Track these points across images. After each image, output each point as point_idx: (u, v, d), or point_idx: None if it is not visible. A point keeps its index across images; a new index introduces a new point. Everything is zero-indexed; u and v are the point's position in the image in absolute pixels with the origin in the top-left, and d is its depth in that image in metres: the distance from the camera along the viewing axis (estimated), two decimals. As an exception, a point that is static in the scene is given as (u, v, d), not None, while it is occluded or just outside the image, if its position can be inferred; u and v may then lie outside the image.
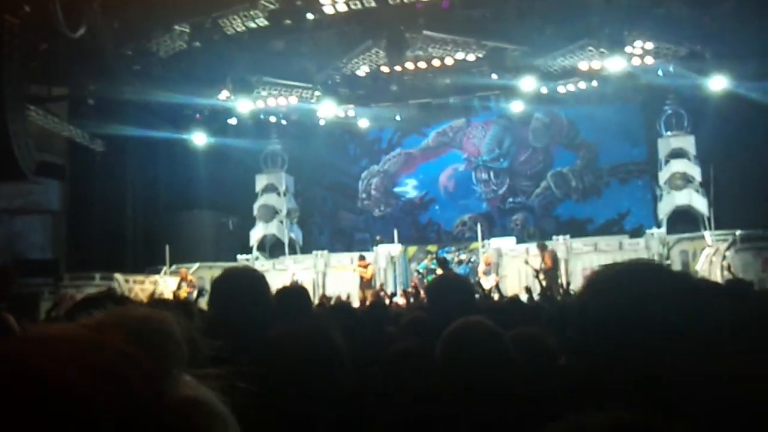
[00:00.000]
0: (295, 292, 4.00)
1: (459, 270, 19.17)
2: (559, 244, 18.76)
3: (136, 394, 0.56)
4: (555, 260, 16.53)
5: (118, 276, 17.37)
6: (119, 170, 20.38)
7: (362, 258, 18.69)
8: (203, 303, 9.11)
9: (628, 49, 17.92)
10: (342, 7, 16.12)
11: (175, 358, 0.63)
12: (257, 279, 3.04)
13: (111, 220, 20.01)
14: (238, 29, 16.95)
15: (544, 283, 13.61)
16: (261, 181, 22.97)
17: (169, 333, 0.64)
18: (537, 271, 14.28)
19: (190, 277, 17.42)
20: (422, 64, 19.31)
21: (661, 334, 1.23)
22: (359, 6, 16.09)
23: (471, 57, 18.96)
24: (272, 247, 22.63)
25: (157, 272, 19.39)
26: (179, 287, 16.84)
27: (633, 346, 1.24)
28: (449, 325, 2.44)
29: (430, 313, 3.73)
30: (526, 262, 15.86)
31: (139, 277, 18.50)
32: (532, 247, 19.03)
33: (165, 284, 18.25)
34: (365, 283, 17.96)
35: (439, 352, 2.36)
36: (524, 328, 2.97)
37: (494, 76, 19.53)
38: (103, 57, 16.62)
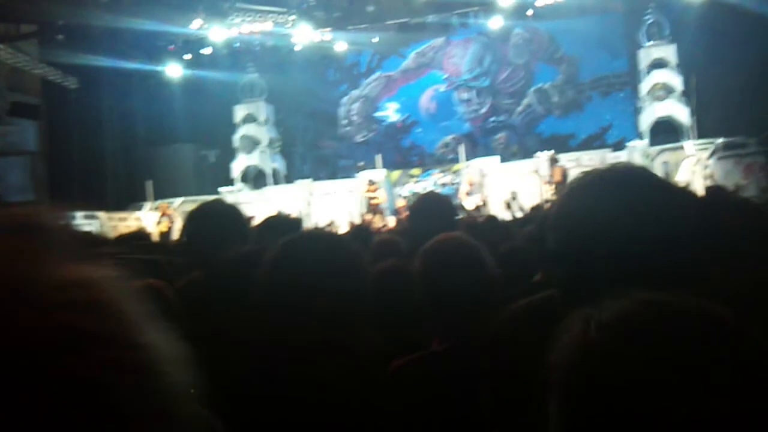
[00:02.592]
0: (282, 223, 3.85)
1: (442, 192, 19.16)
2: (542, 161, 18.72)
3: (12, 277, 0.56)
4: (565, 175, 16.43)
5: (100, 214, 17.28)
6: (95, 106, 20.05)
7: (372, 183, 18.48)
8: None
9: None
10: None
11: (56, 246, 0.62)
12: (230, 211, 2.99)
13: (90, 158, 19.79)
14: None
15: (553, 197, 13.68)
16: (240, 112, 22.64)
17: (47, 226, 0.64)
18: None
19: (169, 212, 17.37)
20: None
21: (638, 237, 1.21)
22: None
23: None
24: (255, 178, 22.48)
25: (140, 208, 19.30)
26: (159, 222, 16.82)
27: (612, 248, 1.21)
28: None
29: (408, 232, 3.71)
30: (536, 172, 15.90)
31: (122, 214, 18.43)
32: (517, 165, 19.09)
33: (148, 220, 18.19)
34: (375, 208, 17.81)
35: (417, 267, 2.36)
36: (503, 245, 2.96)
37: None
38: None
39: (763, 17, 15.58)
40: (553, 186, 16.34)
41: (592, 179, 1.36)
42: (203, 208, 3.04)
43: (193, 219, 2.96)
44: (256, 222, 3.71)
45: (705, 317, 0.77)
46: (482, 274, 2.31)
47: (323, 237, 1.99)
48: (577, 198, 1.34)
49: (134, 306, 0.60)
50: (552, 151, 17.52)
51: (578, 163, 18.17)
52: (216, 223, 2.86)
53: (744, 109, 16.85)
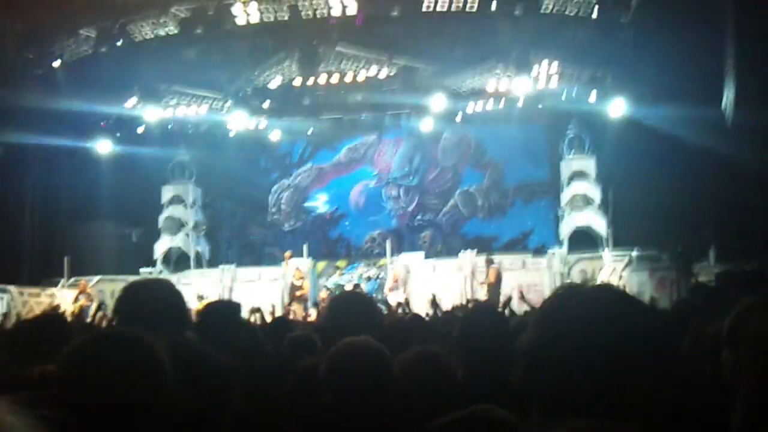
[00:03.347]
0: (223, 309, 3.79)
1: (367, 286, 19.20)
2: (465, 261, 19.08)
3: None
4: (499, 277, 16.72)
5: (11, 288, 16.61)
6: (18, 177, 19.52)
7: (299, 270, 18.30)
8: (101, 317, 8.81)
9: (534, 72, 18.52)
10: (254, 19, 16.09)
11: None
12: (170, 292, 2.89)
13: (7, 230, 19.09)
14: (147, 36, 16.62)
15: (485, 297, 13.86)
16: (167, 192, 22.42)
17: None
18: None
19: (89, 290, 16.80)
20: (335, 79, 19.41)
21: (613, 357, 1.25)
22: (272, 18, 16.08)
23: (383, 74, 19.21)
24: (177, 261, 22.08)
25: (55, 285, 18.64)
26: (76, 300, 16.21)
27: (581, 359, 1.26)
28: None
29: (324, 330, 3.71)
30: (472, 274, 16.12)
31: (35, 290, 17.74)
32: (442, 262, 19.40)
33: (63, 297, 17.54)
34: (298, 297, 17.55)
35: (323, 370, 2.37)
36: (421, 347, 2.99)
37: (405, 95, 19.80)
38: (2, 60, 15.99)
39: (676, 136, 16.52)
40: (487, 286, 16.62)
41: (575, 294, 1.42)
42: (142, 285, 2.96)
43: (128, 297, 2.83)
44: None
45: None
46: (385, 380, 2.35)
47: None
48: (557, 309, 1.39)
49: None
50: (487, 256, 17.82)
51: (500, 265, 18.59)
52: (155, 304, 2.73)
53: (658, 223, 17.56)
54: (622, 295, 1.42)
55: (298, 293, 17.59)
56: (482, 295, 16.45)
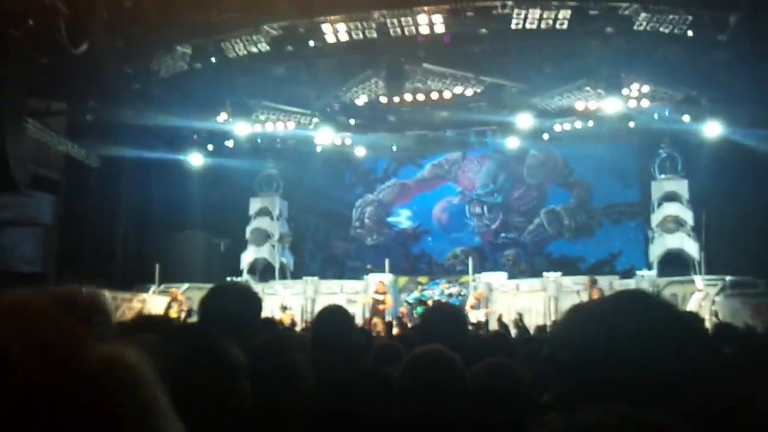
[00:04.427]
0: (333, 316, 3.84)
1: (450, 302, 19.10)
2: (549, 281, 18.77)
3: (59, 355, 0.66)
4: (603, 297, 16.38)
5: (105, 293, 17.27)
6: (113, 187, 20.36)
7: (383, 284, 18.20)
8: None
9: (624, 91, 18.14)
10: (344, 37, 16.29)
11: (101, 326, 0.72)
12: (249, 295, 2.98)
13: (102, 237, 19.95)
14: (240, 53, 17.09)
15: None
16: (255, 205, 22.98)
17: (96, 305, 0.74)
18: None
19: (180, 297, 17.30)
20: (420, 96, 19.48)
21: (642, 356, 1.27)
22: (361, 36, 16.26)
23: (469, 92, 19.15)
24: (263, 271, 22.56)
25: (146, 291, 19.32)
26: (169, 307, 16.70)
27: (617, 363, 1.29)
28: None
29: (411, 340, 3.75)
30: (577, 293, 15.97)
31: (127, 295, 18.41)
32: (525, 282, 19.15)
33: (153, 303, 18.16)
34: (380, 311, 17.48)
35: (398, 374, 2.43)
36: (494, 358, 3.01)
37: (491, 112, 19.72)
38: (103, 74, 16.71)
39: (774, 159, 15.91)
40: None
41: (611, 301, 1.45)
42: (222, 289, 3.06)
43: (210, 300, 2.95)
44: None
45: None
46: (456, 386, 2.41)
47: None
48: (595, 318, 1.41)
49: (152, 388, 0.71)
50: (590, 276, 17.50)
51: (585, 286, 18.20)
52: (233, 307, 2.83)
53: (754, 249, 16.93)
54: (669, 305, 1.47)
55: (380, 307, 17.60)
56: None
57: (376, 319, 16.93)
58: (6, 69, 14.51)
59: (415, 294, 20.01)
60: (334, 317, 3.78)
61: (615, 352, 1.30)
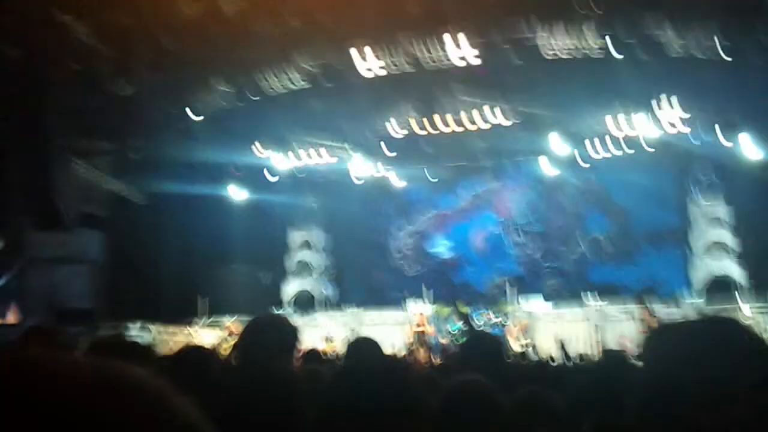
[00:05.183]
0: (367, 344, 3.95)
1: (492, 332, 19.01)
2: (591, 309, 18.62)
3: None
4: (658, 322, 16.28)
5: (152, 327, 17.61)
6: (159, 223, 20.77)
7: (422, 314, 18.47)
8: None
9: (660, 114, 18.05)
10: (380, 71, 16.55)
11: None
12: (286, 327, 3.06)
13: (149, 272, 20.32)
14: (277, 89, 17.47)
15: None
16: (295, 237, 23.26)
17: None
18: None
19: (234, 330, 17.32)
20: (457, 128, 19.61)
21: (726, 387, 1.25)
22: (396, 71, 16.51)
23: (505, 121, 19.23)
24: (305, 303, 22.75)
25: (191, 324, 19.62)
26: (227, 340, 16.63)
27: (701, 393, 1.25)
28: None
29: (456, 369, 3.82)
30: (642, 320, 15.92)
31: (174, 329, 18.72)
32: (568, 311, 19.03)
33: (199, 336, 18.40)
34: (423, 340, 17.65)
35: (435, 407, 2.50)
36: (532, 388, 3.07)
37: (527, 140, 19.77)
38: (148, 114, 17.24)
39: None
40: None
41: (693, 328, 1.42)
42: (260, 321, 3.17)
43: (249, 331, 3.06)
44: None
45: None
46: (493, 417, 2.46)
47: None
48: (676, 344, 1.38)
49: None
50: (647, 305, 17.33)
51: (630, 314, 18.00)
52: (271, 336, 2.93)
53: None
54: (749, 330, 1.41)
55: (423, 336, 17.68)
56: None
57: (419, 348, 16.97)
58: (53, 110, 15.05)
59: (458, 324, 19.95)
60: (364, 345, 3.89)
61: (703, 380, 1.25)
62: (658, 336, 1.49)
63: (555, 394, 3.16)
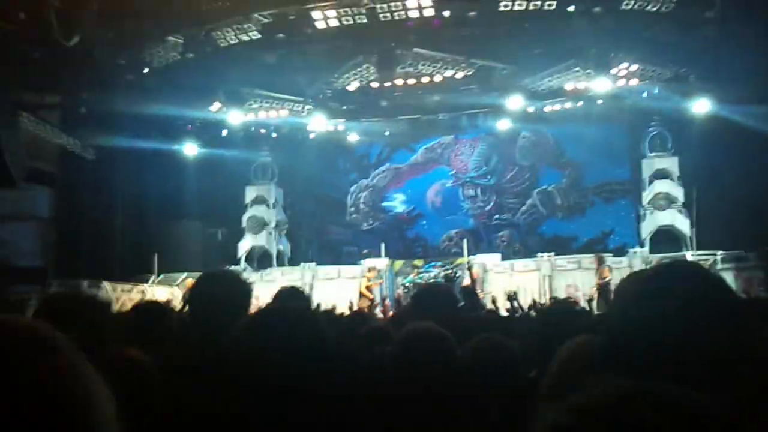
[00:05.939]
0: (291, 294, 4.01)
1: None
2: (543, 260, 19.00)
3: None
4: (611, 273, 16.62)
5: (105, 284, 17.44)
6: (109, 178, 20.42)
7: (370, 269, 18.80)
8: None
9: (613, 70, 18.28)
10: (334, 23, 16.36)
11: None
12: (239, 283, 3.01)
13: (100, 228, 20.03)
14: (231, 41, 17.13)
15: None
16: (251, 193, 23.09)
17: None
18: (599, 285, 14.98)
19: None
20: (412, 81, 19.60)
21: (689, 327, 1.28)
22: (351, 22, 16.33)
23: (460, 75, 19.27)
24: (260, 259, 22.71)
25: (145, 281, 19.47)
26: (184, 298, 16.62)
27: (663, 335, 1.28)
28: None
29: (404, 321, 3.87)
30: (599, 274, 16.29)
31: (127, 286, 18.56)
32: (520, 263, 19.39)
33: (153, 293, 18.29)
34: (368, 294, 17.92)
35: (391, 350, 2.56)
36: (486, 335, 3.13)
37: (482, 95, 19.84)
38: (96, 66, 16.77)
39: (763, 135, 16.06)
40: (601, 285, 16.40)
41: (656, 273, 1.46)
42: (211, 277, 3.08)
43: (199, 288, 3.00)
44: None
45: (673, 407, 0.78)
46: (449, 362, 2.52)
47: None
48: (640, 291, 1.43)
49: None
50: (597, 255, 17.64)
51: (579, 265, 18.43)
52: (222, 294, 2.88)
53: (745, 223, 17.13)
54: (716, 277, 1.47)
55: (364, 291, 17.92)
56: (594, 294, 16.34)
57: (361, 300, 17.21)
58: (-1, 63, 14.57)
59: (412, 277, 20.21)
60: (288, 294, 3.91)
61: (669, 329, 1.29)
62: (627, 283, 1.54)
63: (509, 340, 3.24)
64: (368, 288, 18.13)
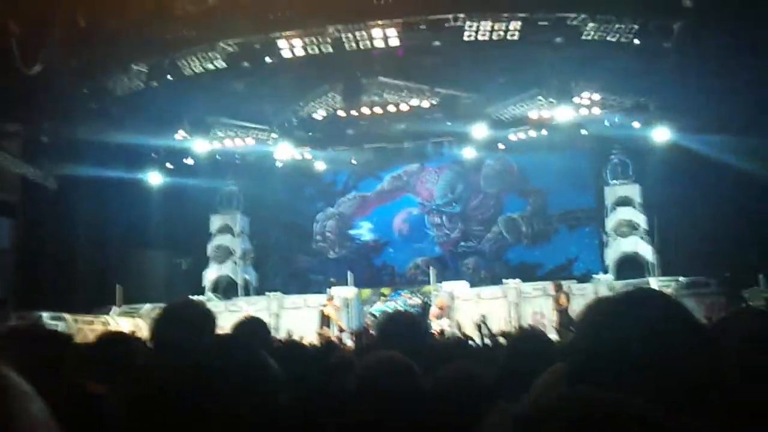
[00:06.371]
0: (252, 325, 3.95)
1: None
2: (509, 287, 19.08)
3: None
4: (569, 301, 16.79)
5: (66, 316, 17.09)
6: (72, 208, 20.12)
7: (330, 297, 18.57)
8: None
9: (576, 99, 18.57)
10: (300, 52, 16.39)
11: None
12: (202, 314, 2.99)
13: (62, 259, 19.68)
14: (196, 70, 17.07)
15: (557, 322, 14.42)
16: (216, 222, 22.93)
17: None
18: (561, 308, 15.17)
19: None
20: (377, 109, 19.69)
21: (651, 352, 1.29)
22: (316, 51, 16.39)
23: (425, 103, 19.42)
24: (226, 289, 22.49)
25: (107, 312, 19.13)
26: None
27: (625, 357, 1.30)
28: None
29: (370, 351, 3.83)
30: (556, 301, 16.46)
31: (89, 317, 18.21)
32: (486, 290, 19.44)
33: (116, 325, 17.95)
34: (327, 321, 17.73)
35: (351, 385, 2.53)
36: (454, 364, 3.11)
37: (447, 123, 20.03)
38: (58, 95, 16.60)
39: (721, 163, 16.40)
40: (558, 311, 16.64)
41: (617, 301, 1.46)
42: (174, 309, 3.06)
43: (163, 320, 2.97)
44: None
45: (620, 415, 0.82)
46: (412, 392, 2.48)
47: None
48: (601, 319, 1.43)
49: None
50: (555, 282, 17.83)
51: (545, 291, 18.54)
52: (186, 326, 2.86)
53: (706, 249, 17.40)
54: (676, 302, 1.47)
55: (327, 314, 17.81)
56: (554, 319, 16.58)
57: (324, 329, 17.08)
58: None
59: (379, 305, 20.15)
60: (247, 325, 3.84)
61: (632, 356, 1.30)
62: (591, 310, 1.54)
63: (479, 369, 3.22)
64: (334, 313, 17.97)
